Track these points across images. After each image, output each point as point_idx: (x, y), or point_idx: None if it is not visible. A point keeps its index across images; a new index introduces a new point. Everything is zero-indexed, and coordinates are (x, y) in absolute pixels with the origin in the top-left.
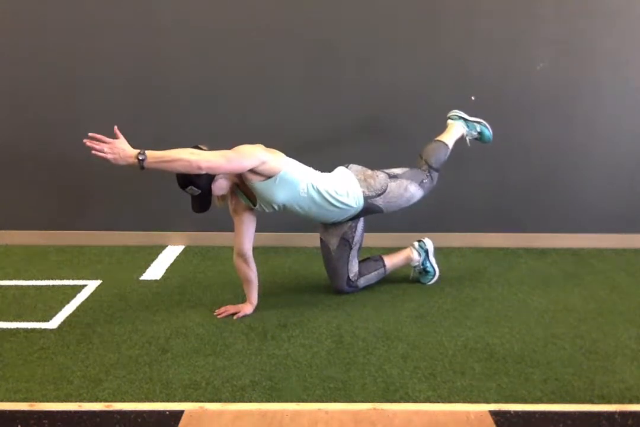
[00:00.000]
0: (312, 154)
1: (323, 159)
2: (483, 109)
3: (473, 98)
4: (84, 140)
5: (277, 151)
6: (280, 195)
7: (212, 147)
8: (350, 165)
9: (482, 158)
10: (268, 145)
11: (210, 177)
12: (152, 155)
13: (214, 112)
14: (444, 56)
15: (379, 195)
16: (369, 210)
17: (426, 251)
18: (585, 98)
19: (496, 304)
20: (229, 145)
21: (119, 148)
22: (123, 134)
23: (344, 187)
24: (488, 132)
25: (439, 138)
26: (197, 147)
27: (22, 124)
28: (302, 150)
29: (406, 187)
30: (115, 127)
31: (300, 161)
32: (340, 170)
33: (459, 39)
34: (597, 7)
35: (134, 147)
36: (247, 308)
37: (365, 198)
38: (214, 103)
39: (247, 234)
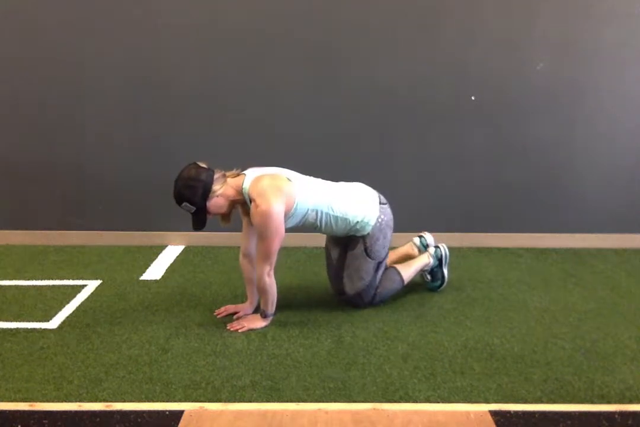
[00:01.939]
0: (313, 155)
1: (323, 160)
2: (483, 109)
3: (473, 98)
4: (228, 327)
5: (282, 177)
6: (290, 222)
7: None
8: (387, 205)
9: (482, 158)
10: (267, 145)
11: (204, 195)
12: (267, 306)
13: (213, 113)
14: (444, 56)
15: (365, 248)
16: (354, 240)
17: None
18: (585, 98)
19: (496, 304)
20: (228, 146)
21: (252, 320)
22: (122, 134)
23: (357, 217)
24: (438, 287)
25: (402, 269)
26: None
27: (22, 124)
28: (302, 150)
29: (363, 278)
30: (225, 308)
31: (300, 162)
32: (370, 197)
33: (459, 39)
34: (596, 7)
35: (132, 148)
36: (247, 308)
37: (364, 235)
38: (213, 104)
39: (254, 235)
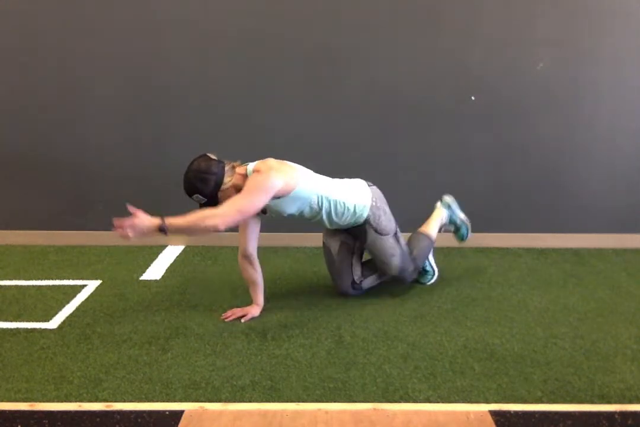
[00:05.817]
0: (313, 155)
1: (323, 160)
2: (483, 109)
3: (473, 98)
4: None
5: (288, 164)
6: (292, 208)
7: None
8: (374, 186)
9: (482, 158)
10: (267, 145)
11: (216, 187)
12: (172, 226)
13: (213, 113)
14: (444, 56)
15: (375, 230)
16: (361, 229)
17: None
18: (585, 98)
19: (496, 304)
20: (228, 147)
21: (139, 225)
22: (121, 134)
23: (353, 200)
24: (466, 232)
25: (424, 230)
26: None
27: (22, 124)
28: (302, 151)
29: (393, 254)
30: (129, 206)
31: (300, 162)
32: (358, 183)
33: (459, 39)
34: (596, 7)
35: (132, 148)
36: (254, 310)
37: (367, 218)
38: (213, 104)
39: (253, 235)
